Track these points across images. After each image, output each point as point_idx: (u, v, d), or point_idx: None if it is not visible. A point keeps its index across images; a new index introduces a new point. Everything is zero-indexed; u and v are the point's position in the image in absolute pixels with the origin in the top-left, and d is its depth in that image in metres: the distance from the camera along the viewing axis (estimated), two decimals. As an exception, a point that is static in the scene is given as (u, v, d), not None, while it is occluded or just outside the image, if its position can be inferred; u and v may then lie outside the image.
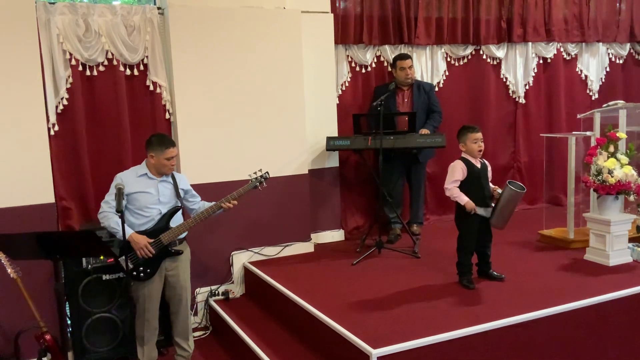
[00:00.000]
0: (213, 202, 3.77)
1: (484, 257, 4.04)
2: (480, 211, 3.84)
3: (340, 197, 5.44)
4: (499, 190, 3.90)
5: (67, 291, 3.92)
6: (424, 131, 5.03)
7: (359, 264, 4.56)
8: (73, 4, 4.18)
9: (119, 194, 3.23)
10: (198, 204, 3.89)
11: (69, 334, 3.99)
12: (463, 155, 3.94)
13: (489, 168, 4.04)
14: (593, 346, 3.60)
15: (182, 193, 3.80)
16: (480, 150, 3.90)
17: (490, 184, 3.99)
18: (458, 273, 3.99)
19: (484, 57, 6.05)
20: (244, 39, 4.65)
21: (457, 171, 3.87)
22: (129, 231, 3.50)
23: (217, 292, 4.69)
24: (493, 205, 3.90)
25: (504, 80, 6.19)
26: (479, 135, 3.90)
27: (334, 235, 5.42)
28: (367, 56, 5.49)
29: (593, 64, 6.62)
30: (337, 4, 5.28)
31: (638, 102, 5.17)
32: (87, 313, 3.99)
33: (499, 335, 3.28)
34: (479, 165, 3.93)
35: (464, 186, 3.87)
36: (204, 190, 4.30)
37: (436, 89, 5.64)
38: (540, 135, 5.92)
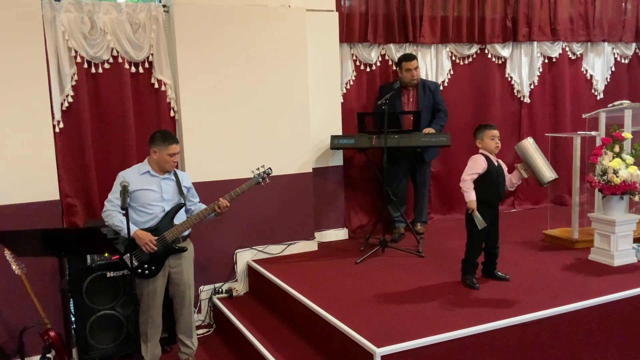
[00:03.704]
0: (206, 206, 3.78)
1: (491, 257, 4.03)
2: (477, 216, 3.76)
3: (344, 196, 5.44)
4: (519, 167, 3.93)
5: (72, 288, 3.94)
6: (430, 130, 5.03)
7: (363, 263, 4.55)
8: (78, 1, 4.18)
9: (124, 191, 3.23)
10: (196, 205, 3.90)
11: (73, 331, 4.02)
12: (481, 151, 3.94)
13: (505, 168, 4.03)
14: (597, 346, 3.59)
15: (184, 190, 3.80)
16: (497, 147, 3.91)
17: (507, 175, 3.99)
18: (462, 270, 3.98)
19: (489, 56, 6.03)
20: (249, 37, 4.65)
21: (478, 164, 3.85)
22: (133, 228, 3.51)
23: (220, 289, 4.70)
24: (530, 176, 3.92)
25: (509, 79, 6.18)
26: (497, 132, 3.92)
27: (338, 234, 5.42)
28: (372, 55, 5.48)
29: (598, 64, 6.59)
30: (342, 3, 5.26)
31: (643, 102, 5.15)
32: (92, 310, 4.00)
33: (503, 334, 3.27)
34: (496, 164, 3.93)
35: (482, 181, 3.86)
36: (208, 188, 4.32)
37: (441, 88, 5.63)
38: (545, 135, 5.90)
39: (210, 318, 4.67)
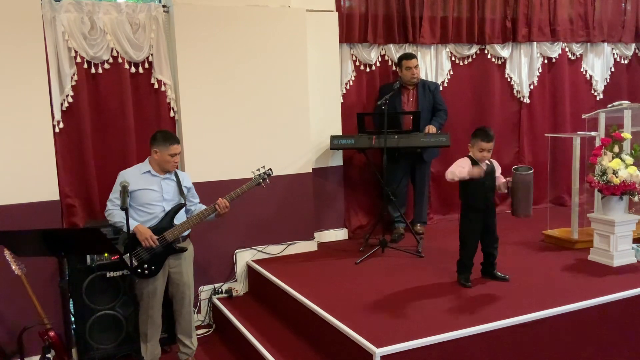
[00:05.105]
0: (206, 207, 3.79)
1: (489, 257, 4.03)
2: (476, 172, 3.76)
3: (344, 196, 5.44)
4: (507, 179, 3.88)
5: (71, 288, 3.94)
6: (431, 128, 5.03)
7: (362, 263, 4.56)
8: (79, 1, 4.18)
9: (124, 191, 3.24)
10: (196, 205, 3.91)
11: (72, 331, 4.02)
12: (470, 154, 3.92)
13: (497, 168, 3.99)
14: (596, 346, 3.59)
15: (185, 190, 3.81)
16: (483, 159, 3.85)
17: (501, 176, 3.97)
18: (457, 271, 4.00)
19: (489, 56, 6.03)
20: (249, 37, 4.65)
21: (464, 165, 3.83)
22: (134, 224, 3.53)
23: (220, 290, 4.70)
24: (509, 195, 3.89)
25: (509, 79, 6.18)
26: (489, 145, 3.82)
27: (338, 234, 5.42)
28: (372, 55, 5.49)
29: (598, 64, 6.60)
30: (342, 3, 5.26)
31: (643, 103, 5.15)
32: (91, 310, 4.01)
33: (502, 335, 3.27)
34: (484, 167, 3.91)
35: (467, 185, 3.86)
36: (207, 188, 4.32)
37: (440, 88, 5.63)
38: (545, 135, 5.91)
39: (210, 318, 4.67)
